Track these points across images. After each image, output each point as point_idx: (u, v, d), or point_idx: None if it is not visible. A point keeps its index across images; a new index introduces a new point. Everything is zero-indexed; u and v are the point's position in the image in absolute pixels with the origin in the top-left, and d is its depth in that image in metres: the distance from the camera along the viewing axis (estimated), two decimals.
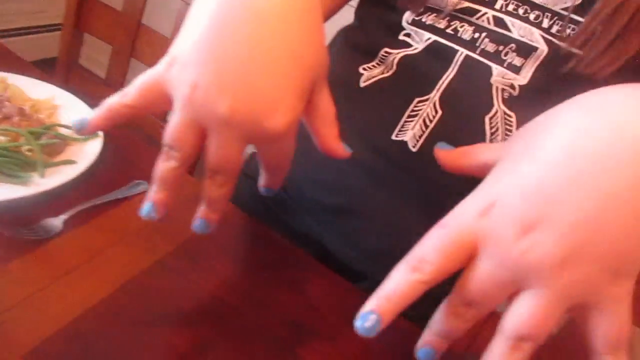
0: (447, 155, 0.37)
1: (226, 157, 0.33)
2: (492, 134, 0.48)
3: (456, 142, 0.50)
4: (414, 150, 0.50)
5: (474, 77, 0.47)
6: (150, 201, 0.35)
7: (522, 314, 0.26)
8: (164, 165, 0.34)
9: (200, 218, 0.36)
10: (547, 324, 0.26)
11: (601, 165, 0.25)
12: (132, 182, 0.50)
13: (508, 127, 0.48)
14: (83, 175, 0.48)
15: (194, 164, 0.73)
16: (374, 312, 0.27)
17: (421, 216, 0.53)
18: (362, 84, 0.52)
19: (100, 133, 0.54)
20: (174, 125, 0.33)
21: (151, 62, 0.91)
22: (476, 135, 0.48)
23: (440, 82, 0.48)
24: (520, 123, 0.48)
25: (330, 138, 0.38)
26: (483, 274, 0.26)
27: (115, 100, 0.35)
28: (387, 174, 0.52)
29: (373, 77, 0.51)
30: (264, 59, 0.32)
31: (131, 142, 0.57)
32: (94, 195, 0.47)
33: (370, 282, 0.58)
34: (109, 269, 0.41)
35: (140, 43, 0.92)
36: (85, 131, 0.36)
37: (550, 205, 0.25)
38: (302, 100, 0.34)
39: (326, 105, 0.37)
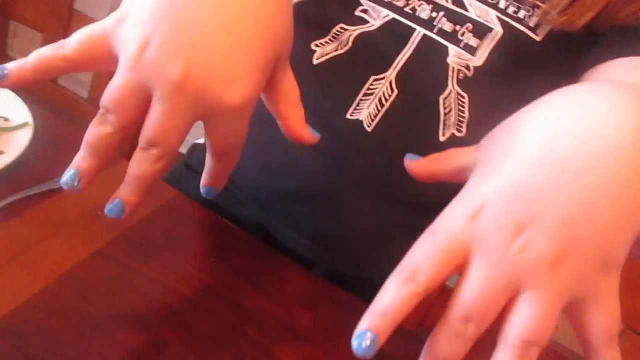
0: (419, 164, 0.35)
1: (170, 128, 0.29)
2: (445, 114, 0.48)
3: (411, 122, 0.51)
4: (369, 130, 0.49)
5: (431, 57, 0.48)
6: (74, 168, 0.30)
7: (525, 318, 0.25)
8: (97, 130, 0.30)
9: (117, 199, 0.31)
10: (550, 324, 0.25)
11: (583, 163, 0.26)
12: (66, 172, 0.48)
13: (461, 108, 0.48)
14: (12, 166, 0.46)
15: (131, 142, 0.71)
16: (370, 330, 0.25)
17: (375, 199, 0.53)
18: (315, 62, 0.50)
19: (31, 122, 0.51)
20: (115, 86, 0.29)
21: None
22: (430, 116, 0.49)
23: (397, 61, 0.48)
24: (473, 104, 0.48)
25: (297, 122, 0.35)
26: (479, 281, 0.26)
27: (48, 52, 0.30)
28: (341, 155, 0.51)
29: (327, 54, 0.50)
30: (227, 24, 0.29)
31: (65, 131, 0.54)
32: (25, 187, 0.45)
33: (319, 268, 0.57)
34: (44, 262, 0.39)
35: (73, 30, 0.87)
36: (3, 83, 0.31)
37: (540, 205, 0.26)
38: (264, 75, 0.32)
39: (291, 84, 0.35)
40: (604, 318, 0.27)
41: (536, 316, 0.25)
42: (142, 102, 0.29)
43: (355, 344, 0.25)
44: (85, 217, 0.44)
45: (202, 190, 0.38)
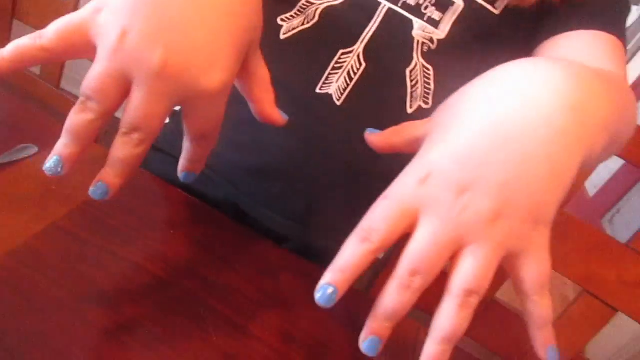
0: (377, 137, 0.38)
1: (150, 113, 0.30)
2: (412, 86, 0.49)
3: (379, 94, 0.51)
4: (338, 103, 0.49)
5: (396, 31, 0.48)
6: (57, 154, 0.31)
7: (467, 270, 0.29)
8: (78, 117, 0.30)
9: (101, 181, 0.31)
10: (488, 275, 0.29)
11: (519, 130, 0.29)
12: (17, 146, 0.46)
13: (426, 80, 0.49)
14: None
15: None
16: (330, 284, 0.29)
17: (346, 173, 0.54)
18: (282, 36, 0.50)
19: None
20: (95, 75, 0.30)
21: (38, 24, 0.83)
22: (398, 88, 0.49)
23: (364, 34, 0.48)
24: (437, 76, 0.49)
25: (268, 105, 0.37)
26: (426, 238, 0.29)
27: (26, 42, 0.31)
28: (311, 129, 0.51)
29: (293, 28, 0.50)
30: (203, 12, 0.31)
31: (16, 107, 0.52)
32: None
33: (293, 243, 0.57)
34: None
35: (23, 2, 0.83)
36: None
37: (480, 168, 0.29)
38: (239, 61, 0.33)
39: (262, 69, 0.37)
40: (535, 268, 0.30)
41: (475, 268, 0.28)
42: (123, 88, 0.30)
43: (317, 295, 0.29)
44: (39, 190, 0.42)
45: (180, 175, 0.39)
